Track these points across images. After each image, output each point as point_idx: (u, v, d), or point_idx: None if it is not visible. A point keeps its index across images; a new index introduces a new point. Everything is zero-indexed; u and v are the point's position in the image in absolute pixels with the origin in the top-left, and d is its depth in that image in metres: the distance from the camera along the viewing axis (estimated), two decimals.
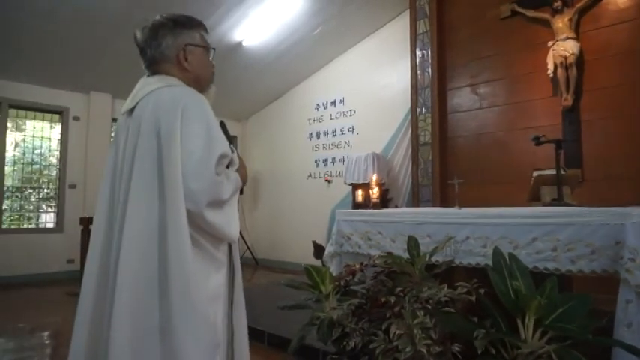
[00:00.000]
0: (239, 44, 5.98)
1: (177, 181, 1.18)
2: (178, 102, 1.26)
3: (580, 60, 4.08)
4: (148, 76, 1.40)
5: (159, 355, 1.15)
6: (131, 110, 1.35)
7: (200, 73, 1.44)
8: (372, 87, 6.42)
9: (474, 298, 1.99)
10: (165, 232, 1.19)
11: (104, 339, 1.18)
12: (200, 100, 1.31)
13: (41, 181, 6.50)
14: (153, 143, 1.24)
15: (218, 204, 1.25)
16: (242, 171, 1.41)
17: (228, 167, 1.34)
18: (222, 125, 1.39)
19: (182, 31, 1.40)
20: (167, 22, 1.39)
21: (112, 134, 6.39)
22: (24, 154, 6.34)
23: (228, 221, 1.30)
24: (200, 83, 1.44)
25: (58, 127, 6.55)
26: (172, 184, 1.19)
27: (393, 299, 2.10)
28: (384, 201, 5.40)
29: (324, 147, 7.13)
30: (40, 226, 6.42)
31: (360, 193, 5.45)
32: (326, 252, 3.09)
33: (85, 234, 5.16)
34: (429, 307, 1.97)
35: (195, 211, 1.20)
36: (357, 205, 5.38)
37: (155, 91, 1.32)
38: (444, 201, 4.84)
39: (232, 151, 1.37)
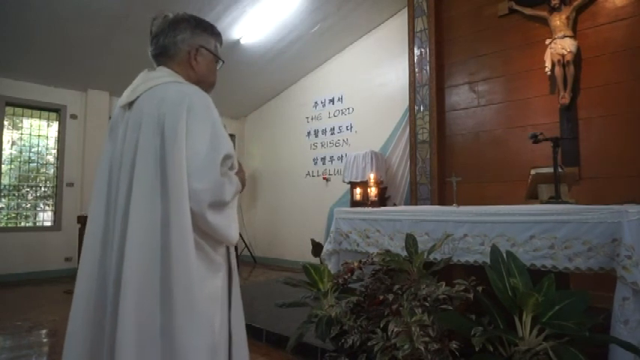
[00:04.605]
0: (237, 42, 5.97)
1: (182, 179, 1.17)
2: (184, 99, 1.25)
3: (578, 58, 4.09)
4: (149, 70, 1.39)
5: (159, 357, 1.14)
6: (130, 104, 1.32)
7: (204, 77, 1.45)
8: (371, 85, 6.41)
9: (471, 295, 2.00)
10: (168, 232, 1.18)
11: (108, 340, 1.17)
12: (206, 98, 1.31)
13: (38, 180, 6.47)
14: (156, 139, 1.23)
15: (220, 205, 1.24)
16: (240, 175, 1.39)
17: (230, 169, 1.33)
18: None
19: (201, 33, 1.43)
20: (190, 20, 1.42)
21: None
22: (21, 152, 6.32)
23: (229, 223, 1.28)
24: (201, 87, 1.42)
25: (55, 125, 6.52)
26: (176, 182, 1.18)
27: (391, 297, 2.10)
28: (383, 199, 5.40)
29: (322, 145, 7.13)
30: (38, 224, 6.40)
31: (358, 191, 5.44)
32: (324, 250, 3.09)
33: (83, 232, 5.14)
34: (427, 304, 1.97)
35: (197, 211, 1.19)
36: (355, 203, 5.38)
37: (159, 86, 1.30)
38: (442, 199, 4.85)
39: None
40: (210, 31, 1.47)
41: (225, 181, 1.25)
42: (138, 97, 1.31)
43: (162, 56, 1.40)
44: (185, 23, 1.40)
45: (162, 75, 1.35)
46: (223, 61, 1.53)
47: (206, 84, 1.46)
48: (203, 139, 1.22)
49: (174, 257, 1.17)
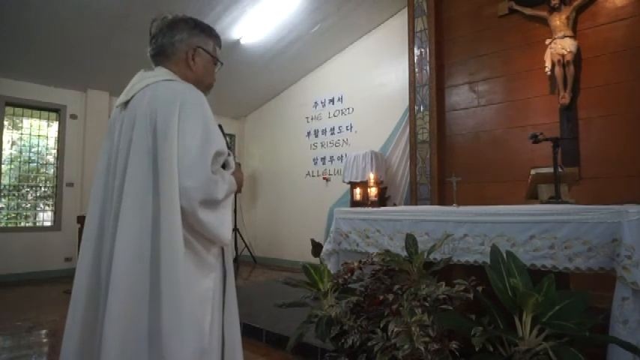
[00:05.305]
0: (237, 42, 5.97)
1: (173, 177, 1.16)
2: (176, 96, 1.25)
3: (578, 58, 4.09)
4: (146, 70, 1.39)
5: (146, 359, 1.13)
6: (126, 103, 1.33)
7: (202, 77, 1.45)
8: (371, 85, 6.41)
9: (471, 295, 2.00)
10: (159, 230, 1.17)
11: (97, 341, 1.16)
12: (198, 96, 1.30)
13: (38, 180, 6.47)
14: (148, 137, 1.22)
15: (212, 203, 1.23)
16: (238, 175, 1.38)
17: (224, 168, 1.32)
18: (219, 128, 1.37)
19: (199, 34, 1.43)
20: (189, 21, 1.42)
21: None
22: (21, 152, 6.32)
23: (221, 222, 1.26)
24: (198, 88, 1.41)
25: (55, 125, 6.52)
26: (167, 180, 1.17)
27: (391, 297, 2.10)
28: (382, 199, 5.40)
29: (322, 145, 7.13)
30: (38, 224, 6.40)
31: (358, 191, 5.44)
32: (324, 250, 3.09)
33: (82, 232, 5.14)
34: (427, 304, 1.97)
35: (188, 209, 1.17)
36: (355, 203, 5.38)
37: (152, 84, 1.30)
38: (442, 199, 4.85)
39: (229, 155, 1.35)
40: (209, 32, 1.47)
41: (218, 178, 1.23)
42: (133, 96, 1.31)
43: (160, 56, 1.40)
44: (183, 24, 1.40)
45: (158, 74, 1.35)
46: (222, 63, 1.52)
47: (203, 85, 1.45)
48: (194, 136, 1.21)
49: (163, 257, 1.15)
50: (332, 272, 2.63)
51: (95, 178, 1.36)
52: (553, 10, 4.21)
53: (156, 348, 1.12)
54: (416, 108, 5.11)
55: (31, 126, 6.40)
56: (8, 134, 6.17)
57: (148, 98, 1.27)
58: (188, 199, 1.17)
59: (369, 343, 2.00)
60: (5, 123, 6.04)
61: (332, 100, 7.02)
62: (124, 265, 1.16)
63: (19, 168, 6.30)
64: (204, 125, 1.24)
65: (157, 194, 1.19)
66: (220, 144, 1.26)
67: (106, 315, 1.13)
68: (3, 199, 6.11)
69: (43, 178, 6.50)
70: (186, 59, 1.40)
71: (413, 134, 5.13)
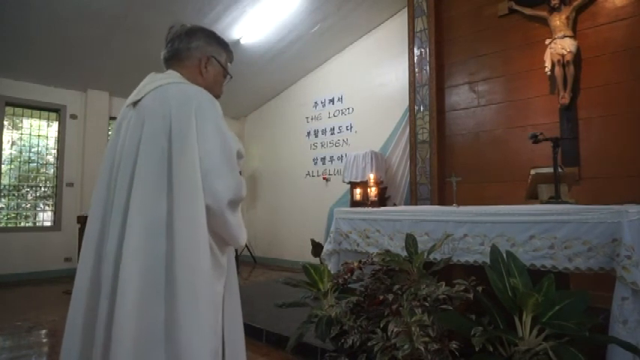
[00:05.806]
0: (237, 42, 5.97)
1: (195, 179, 1.16)
2: (190, 99, 1.26)
3: (577, 58, 4.09)
4: (157, 73, 1.41)
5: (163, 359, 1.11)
6: (135, 103, 1.34)
7: (211, 86, 1.46)
8: (371, 85, 6.42)
9: (471, 295, 2.00)
10: (172, 229, 1.15)
11: (100, 339, 1.14)
12: (211, 98, 1.32)
13: (38, 180, 6.48)
14: (162, 139, 1.21)
15: (237, 204, 1.25)
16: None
17: None
18: None
19: (215, 44, 1.48)
20: (206, 31, 1.48)
21: (110, 132, 6.28)
22: (21, 152, 6.32)
23: (240, 224, 1.28)
24: None
25: (55, 125, 6.53)
26: (188, 182, 1.16)
27: (391, 297, 2.10)
28: (382, 199, 5.40)
29: (322, 145, 7.13)
30: (38, 224, 6.40)
31: (358, 191, 5.45)
32: (324, 250, 3.09)
33: (83, 232, 5.14)
34: (427, 304, 1.97)
35: (216, 209, 1.18)
36: (355, 204, 5.38)
37: (164, 86, 1.31)
38: (442, 199, 4.85)
39: None
40: (224, 45, 1.51)
41: (241, 179, 1.27)
42: (143, 96, 1.32)
43: (173, 59, 1.43)
44: (201, 33, 1.45)
45: (169, 77, 1.37)
46: (231, 76, 1.56)
47: (212, 94, 1.47)
48: (212, 137, 1.22)
49: (181, 256, 1.13)
50: (332, 272, 2.63)
51: (99, 177, 1.35)
52: (553, 10, 4.21)
53: (173, 348, 1.11)
54: (416, 108, 5.11)
55: (31, 126, 6.40)
56: (8, 134, 6.17)
57: (160, 99, 1.27)
58: (217, 199, 1.18)
59: (369, 343, 2.00)
60: (5, 123, 6.05)
61: (332, 100, 7.02)
62: (134, 264, 1.13)
63: (19, 168, 6.30)
64: (221, 127, 1.26)
65: (170, 193, 1.18)
66: (239, 145, 1.29)
67: (115, 316, 1.11)
68: (3, 199, 6.11)
69: (43, 178, 6.50)
70: (198, 66, 1.44)
71: (413, 134, 5.12)
